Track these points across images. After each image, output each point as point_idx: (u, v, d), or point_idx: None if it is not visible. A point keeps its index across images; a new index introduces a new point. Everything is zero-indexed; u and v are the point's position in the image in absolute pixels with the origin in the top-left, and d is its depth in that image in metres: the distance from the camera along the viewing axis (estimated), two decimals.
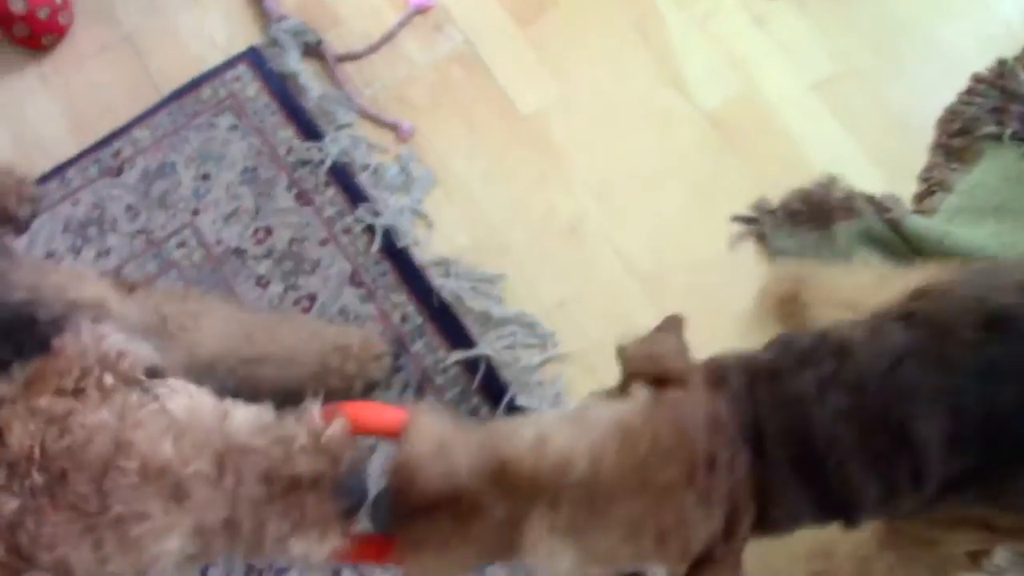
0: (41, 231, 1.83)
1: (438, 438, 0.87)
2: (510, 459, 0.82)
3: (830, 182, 1.70)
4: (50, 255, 1.82)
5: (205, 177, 1.83)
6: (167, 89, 1.92)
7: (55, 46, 1.98)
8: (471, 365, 1.65)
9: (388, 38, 1.93)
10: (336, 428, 0.93)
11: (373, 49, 1.92)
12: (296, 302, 1.72)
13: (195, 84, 1.91)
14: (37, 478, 0.83)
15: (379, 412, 1.00)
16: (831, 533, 1.28)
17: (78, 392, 0.87)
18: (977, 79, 1.73)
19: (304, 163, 1.83)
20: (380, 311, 1.70)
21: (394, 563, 0.98)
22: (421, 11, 1.95)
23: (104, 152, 1.88)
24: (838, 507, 0.84)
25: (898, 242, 1.62)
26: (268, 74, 1.91)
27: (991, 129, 1.68)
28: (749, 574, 0.88)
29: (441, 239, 1.76)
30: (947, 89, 1.75)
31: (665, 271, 1.70)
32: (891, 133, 1.75)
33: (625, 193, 1.77)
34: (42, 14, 1.88)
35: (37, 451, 0.84)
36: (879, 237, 1.63)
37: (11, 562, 0.84)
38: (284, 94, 1.89)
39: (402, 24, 1.94)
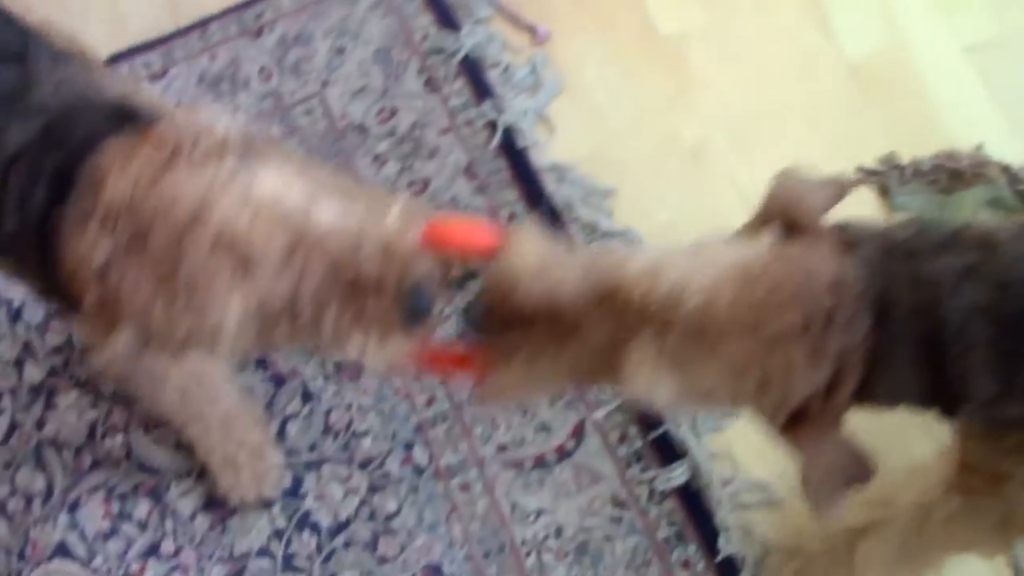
0: (176, 79, 1.90)
1: (541, 255, 0.89)
2: (621, 283, 0.84)
3: (974, 149, 1.66)
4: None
5: (340, 51, 1.88)
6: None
7: None
8: None
9: None
10: (408, 239, 0.95)
11: None
12: (410, 184, 1.76)
13: None
14: (125, 228, 0.90)
15: (472, 232, 1.01)
16: (894, 480, 1.28)
17: (172, 158, 0.93)
18: None
19: (437, 51, 1.85)
20: (490, 205, 1.72)
21: (473, 374, 1.01)
22: None
23: (247, 13, 1.93)
24: (945, 395, 0.83)
25: None
26: None
27: None
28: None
29: (560, 145, 1.77)
30: None
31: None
32: None
33: (753, 129, 1.75)
34: None
35: (128, 202, 0.91)
36: (1008, 207, 1.59)
37: (103, 312, 0.91)
38: None
39: None
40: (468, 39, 1.85)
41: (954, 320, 0.80)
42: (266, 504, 1.56)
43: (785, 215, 0.88)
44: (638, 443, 1.53)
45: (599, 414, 1.55)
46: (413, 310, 0.93)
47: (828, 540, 1.34)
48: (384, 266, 0.93)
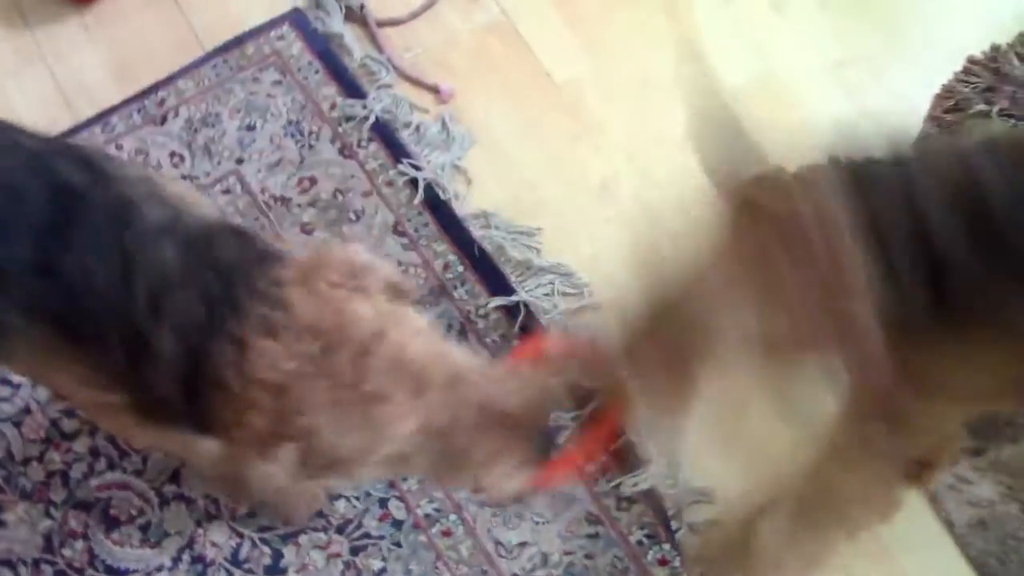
0: None
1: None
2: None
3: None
4: None
5: (250, 128, 1.93)
6: (210, 45, 2.01)
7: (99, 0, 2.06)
8: (511, 311, 1.76)
9: (429, 5, 2.05)
10: (540, 375, 1.11)
11: (414, 15, 2.05)
12: None
13: (239, 40, 2.01)
14: (313, 346, 0.97)
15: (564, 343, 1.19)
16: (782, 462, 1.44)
17: (348, 287, 1.02)
18: (972, 61, 1.95)
19: (348, 119, 1.93)
20: (423, 259, 1.81)
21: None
22: None
23: (148, 100, 1.96)
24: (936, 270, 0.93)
25: None
26: (311, 35, 2.01)
27: (981, 107, 1.89)
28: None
29: (480, 195, 1.89)
30: (948, 73, 1.96)
31: (693, 227, 1.84)
32: (894, 111, 1.95)
33: (654, 156, 1.92)
34: None
35: (317, 323, 0.98)
36: None
37: (270, 427, 0.97)
38: (327, 54, 1.99)
39: None
40: (375, 104, 1.94)
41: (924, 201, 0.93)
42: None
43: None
44: (602, 457, 1.63)
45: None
46: (546, 443, 1.08)
47: (734, 528, 1.45)
48: (523, 403, 1.05)
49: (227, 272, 1.03)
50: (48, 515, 1.59)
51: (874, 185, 0.97)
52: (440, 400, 1.02)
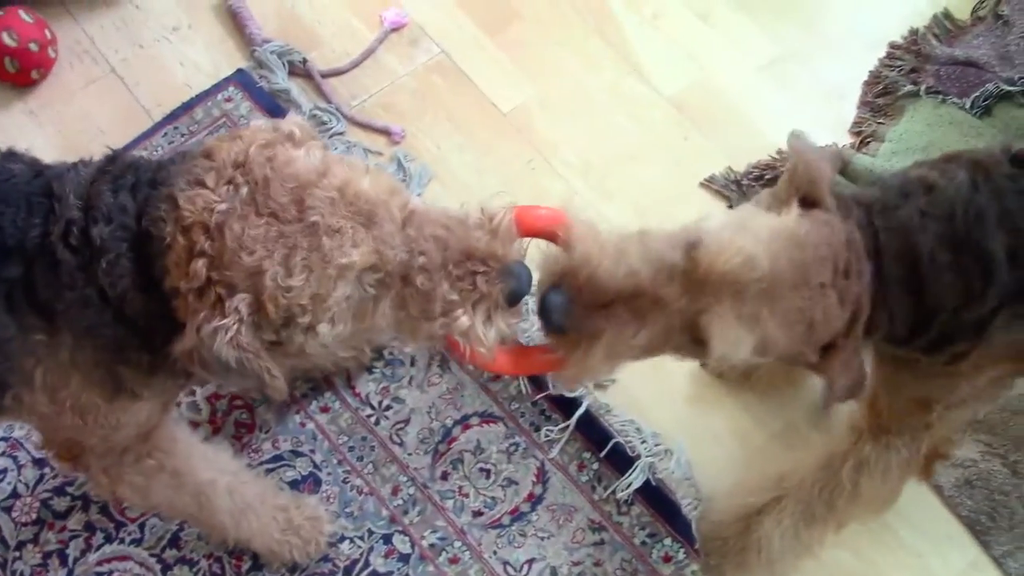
0: None
1: (609, 242, 1.03)
2: (699, 258, 0.98)
3: (779, 153, 1.98)
4: None
5: None
6: (159, 115, 2.05)
7: (40, 83, 2.09)
8: None
9: (368, 54, 2.12)
10: (507, 217, 1.04)
11: (355, 64, 2.11)
12: None
13: (188, 106, 2.05)
14: (241, 183, 0.94)
15: (536, 212, 1.12)
16: (784, 462, 1.50)
17: (275, 139, 1.00)
18: (894, 46, 2.09)
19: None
20: None
21: (554, 369, 1.10)
22: (396, 29, 2.16)
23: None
24: (926, 313, 1.08)
25: (844, 184, 1.89)
26: (258, 93, 2.07)
27: (909, 88, 2.01)
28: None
29: None
30: (872, 59, 2.08)
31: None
32: (830, 100, 2.07)
33: (607, 172, 1.99)
34: (33, 47, 1.99)
35: (242, 160, 0.95)
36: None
37: (216, 273, 0.93)
38: (276, 109, 2.04)
39: (380, 41, 2.14)
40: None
41: (926, 251, 1.06)
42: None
43: (808, 189, 1.07)
44: (595, 465, 1.68)
45: (554, 453, 1.69)
46: (517, 286, 1.00)
47: (736, 524, 1.52)
48: (491, 242, 1.00)
49: (148, 167, 1.04)
50: None
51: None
52: (396, 234, 0.97)
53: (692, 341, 1.02)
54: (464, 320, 1.01)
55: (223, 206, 0.94)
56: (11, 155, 1.12)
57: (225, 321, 0.93)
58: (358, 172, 0.99)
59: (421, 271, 0.99)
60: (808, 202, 1.08)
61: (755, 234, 1.01)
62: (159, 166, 1.04)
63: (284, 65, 2.10)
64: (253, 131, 1.01)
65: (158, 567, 1.61)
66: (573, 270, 1.02)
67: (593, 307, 1.00)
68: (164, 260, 0.97)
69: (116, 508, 1.64)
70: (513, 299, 1.03)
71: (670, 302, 1.00)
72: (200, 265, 0.94)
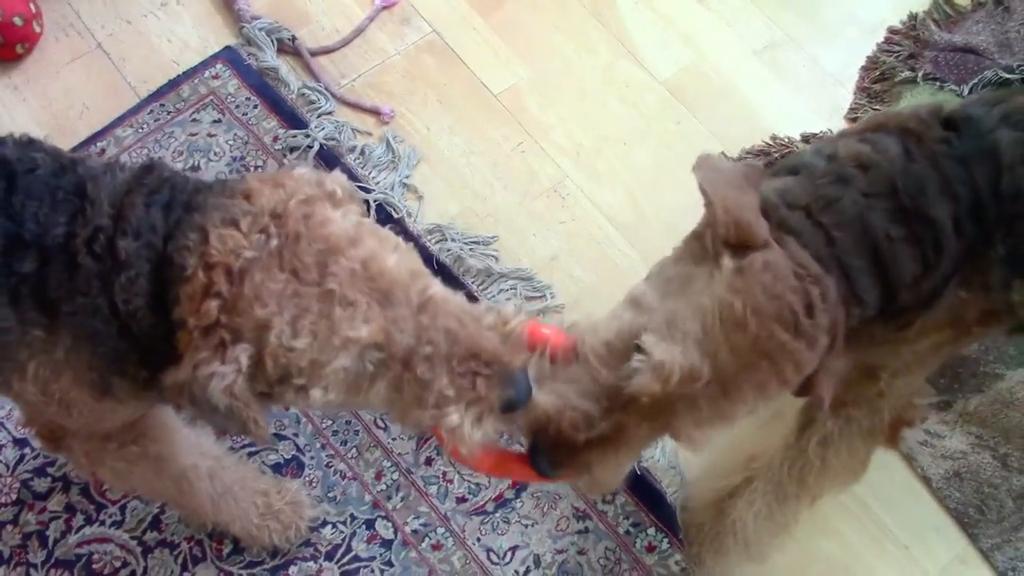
0: None
1: (562, 394, 1.03)
2: (640, 394, 0.97)
3: (773, 139, 1.98)
4: None
5: (194, 169, 1.95)
6: (145, 92, 2.04)
7: (25, 58, 2.07)
8: None
9: (359, 32, 2.11)
10: (521, 324, 1.04)
11: (345, 42, 2.10)
12: None
13: (174, 83, 2.04)
14: (273, 234, 0.95)
15: (541, 332, 1.12)
16: (751, 443, 1.50)
17: (316, 194, 1.00)
18: (892, 31, 2.07)
19: (292, 149, 1.97)
20: None
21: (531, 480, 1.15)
22: (387, 6, 2.14)
23: (87, 151, 1.97)
24: (891, 289, 1.05)
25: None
26: (246, 70, 2.05)
27: (907, 74, 2.00)
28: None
29: (432, 209, 1.93)
30: (870, 45, 2.07)
31: (642, 221, 1.92)
32: (825, 86, 2.05)
33: (599, 155, 1.98)
34: (17, 21, 1.98)
35: (280, 211, 0.96)
36: None
37: (226, 317, 0.93)
38: (264, 88, 2.03)
39: (370, 19, 2.12)
40: (318, 132, 1.98)
41: (882, 233, 1.03)
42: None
43: (735, 235, 0.99)
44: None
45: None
46: (514, 396, 1.01)
47: (710, 509, 1.52)
48: (500, 346, 1.01)
49: (185, 187, 1.04)
50: None
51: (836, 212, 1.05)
52: (408, 318, 0.97)
53: None
54: (454, 418, 1.01)
55: (250, 254, 0.95)
56: (31, 143, 1.10)
57: (224, 368, 0.94)
58: (386, 248, 0.99)
59: (424, 360, 0.99)
60: (741, 246, 1.00)
61: (687, 334, 0.97)
62: (196, 188, 1.05)
63: (273, 43, 2.08)
64: (297, 181, 1.01)
65: (139, 549, 1.61)
66: (542, 428, 1.04)
67: (573, 450, 1.03)
68: (179, 289, 0.97)
69: (96, 490, 1.64)
70: (507, 408, 1.03)
71: (632, 429, 1.01)
72: (213, 306, 0.95)
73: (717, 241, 1.00)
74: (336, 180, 1.05)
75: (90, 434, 1.26)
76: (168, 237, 1.00)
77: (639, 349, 0.98)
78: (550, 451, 1.05)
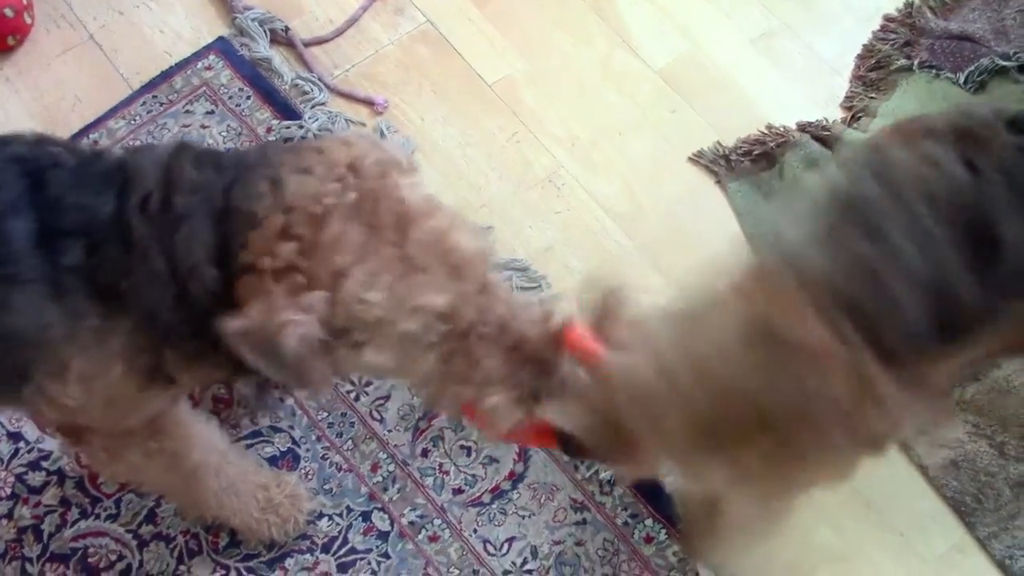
0: None
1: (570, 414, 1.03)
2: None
3: (768, 128, 1.98)
4: None
5: None
6: (138, 83, 2.03)
7: (16, 49, 2.06)
8: None
9: (352, 22, 2.10)
10: (562, 324, 1.07)
11: (339, 32, 2.09)
12: None
13: (167, 74, 2.03)
14: (352, 185, 0.95)
15: (577, 335, 1.12)
16: None
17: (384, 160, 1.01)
18: (889, 19, 2.07)
19: (286, 140, 1.96)
20: None
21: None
22: None
23: (80, 144, 1.96)
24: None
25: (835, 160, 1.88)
26: (239, 61, 2.04)
27: (903, 62, 2.00)
28: None
29: None
30: (866, 33, 2.06)
31: (639, 211, 1.91)
32: (822, 74, 2.05)
33: (594, 145, 1.98)
34: (8, 12, 1.97)
35: (356, 166, 0.97)
36: (818, 160, 1.90)
37: (302, 260, 0.93)
38: (257, 78, 2.02)
39: (364, 9, 2.11)
40: (312, 123, 1.97)
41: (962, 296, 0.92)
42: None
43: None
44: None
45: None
46: (551, 389, 1.04)
47: (703, 496, 1.48)
48: (543, 340, 1.04)
49: (228, 154, 1.04)
50: (24, 572, 1.58)
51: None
52: (473, 296, 0.99)
53: None
54: (496, 399, 1.04)
55: (330, 200, 0.95)
56: (42, 139, 1.08)
57: (302, 316, 0.93)
58: (459, 225, 1.01)
59: (479, 339, 1.02)
60: None
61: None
62: (244, 154, 1.05)
63: (266, 33, 2.07)
64: (367, 144, 1.02)
65: (134, 543, 1.60)
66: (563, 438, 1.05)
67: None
68: (249, 234, 0.96)
69: (91, 482, 1.64)
70: (538, 395, 1.06)
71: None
72: (290, 248, 0.94)
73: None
74: (400, 148, 1.09)
75: (112, 430, 1.24)
76: (228, 189, 0.99)
77: None
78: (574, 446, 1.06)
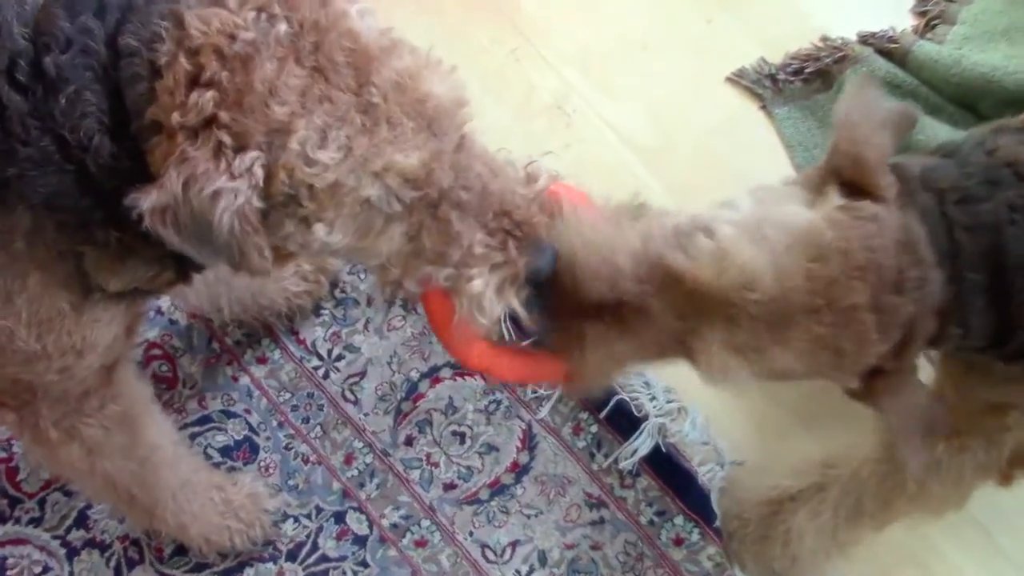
0: None
1: (599, 238, 0.93)
2: (686, 272, 0.87)
3: (823, 40, 1.73)
4: None
5: None
6: None
7: None
8: None
9: None
10: (550, 184, 0.97)
11: None
12: None
13: None
14: (279, 15, 0.82)
15: (579, 198, 1.05)
16: (831, 450, 1.35)
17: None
18: None
19: None
20: None
21: (551, 374, 1.07)
22: None
23: None
24: (1010, 326, 0.93)
25: (903, 77, 1.66)
26: None
27: None
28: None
29: None
30: None
31: (666, 144, 1.69)
32: None
33: (613, 63, 1.75)
34: None
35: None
36: (883, 77, 1.66)
37: (226, 111, 0.80)
38: None
39: None
40: None
41: (1015, 257, 0.90)
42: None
43: (851, 171, 0.91)
44: (594, 427, 1.49)
45: (543, 413, 1.49)
46: (542, 266, 0.93)
47: (761, 507, 1.37)
48: (533, 205, 0.94)
49: None
50: None
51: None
52: (448, 154, 0.88)
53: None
54: (478, 283, 0.93)
55: (249, 35, 0.81)
56: None
57: (235, 184, 0.81)
58: (431, 67, 0.89)
59: (457, 206, 0.91)
60: (856, 188, 0.92)
61: (769, 242, 0.88)
62: None
63: None
64: None
65: (62, 551, 1.41)
66: (563, 270, 0.94)
67: (578, 310, 0.93)
68: (150, 86, 0.84)
69: (8, 479, 1.43)
70: (532, 278, 0.95)
71: (656, 313, 0.90)
72: (207, 97, 0.80)
73: (830, 172, 0.94)
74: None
75: (64, 392, 1.12)
76: (113, 37, 0.86)
77: (708, 232, 0.91)
78: (556, 300, 0.95)
